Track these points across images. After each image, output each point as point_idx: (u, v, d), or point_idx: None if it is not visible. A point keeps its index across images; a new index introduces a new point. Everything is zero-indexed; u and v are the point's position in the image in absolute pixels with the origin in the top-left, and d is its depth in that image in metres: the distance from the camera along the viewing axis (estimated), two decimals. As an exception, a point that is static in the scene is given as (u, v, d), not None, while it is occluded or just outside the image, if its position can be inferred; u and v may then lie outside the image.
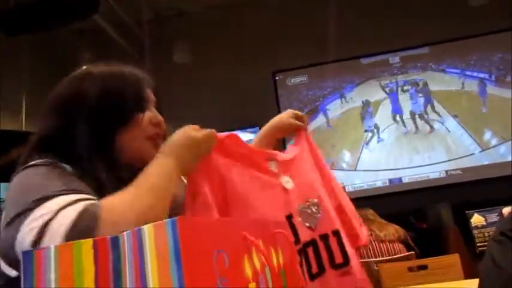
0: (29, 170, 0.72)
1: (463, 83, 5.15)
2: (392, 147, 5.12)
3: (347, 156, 5.19)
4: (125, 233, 0.43)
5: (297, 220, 0.82)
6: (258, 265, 0.53)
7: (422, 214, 4.22)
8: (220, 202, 0.74)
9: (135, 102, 0.81)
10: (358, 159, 5.14)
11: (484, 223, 3.26)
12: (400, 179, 5.02)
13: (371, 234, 2.61)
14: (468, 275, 2.00)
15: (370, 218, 2.75)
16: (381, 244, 2.56)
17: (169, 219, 0.40)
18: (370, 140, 5.19)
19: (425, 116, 5.14)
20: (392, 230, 2.64)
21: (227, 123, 4.28)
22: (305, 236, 0.83)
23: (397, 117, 5.18)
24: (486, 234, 3.21)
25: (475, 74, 5.14)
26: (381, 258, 2.48)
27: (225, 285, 0.44)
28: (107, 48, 4.64)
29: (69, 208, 0.61)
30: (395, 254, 2.51)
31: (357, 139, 5.21)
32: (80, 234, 0.56)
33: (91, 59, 4.39)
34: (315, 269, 0.82)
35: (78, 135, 0.77)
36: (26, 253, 0.44)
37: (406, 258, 2.45)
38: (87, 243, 0.43)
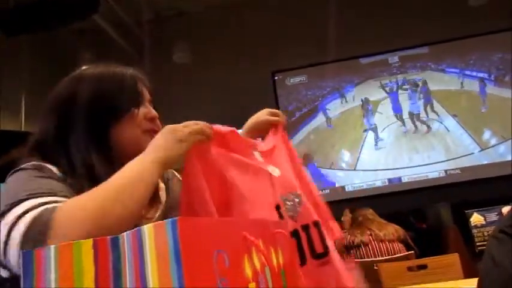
0: (14, 175, 0.74)
1: (462, 83, 5.15)
2: (391, 147, 5.12)
3: (346, 156, 5.19)
4: (125, 233, 0.43)
5: (283, 210, 0.82)
6: (258, 265, 0.53)
7: (421, 214, 4.22)
8: (218, 196, 0.74)
9: (130, 97, 0.83)
10: (358, 159, 5.14)
11: (484, 222, 3.26)
12: (399, 179, 5.02)
13: (370, 234, 2.62)
14: (468, 275, 2.00)
15: (369, 217, 2.75)
16: (381, 244, 2.56)
17: (170, 219, 0.40)
18: (369, 140, 5.20)
19: (423, 117, 5.14)
20: (392, 230, 2.64)
21: (226, 123, 4.27)
22: (289, 226, 0.83)
23: (399, 116, 5.19)
24: (485, 234, 3.21)
25: (475, 73, 5.14)
26: (380, 258, 2.48)
27: (225, 285, 0.44)
28: (106, 49, 4.64)
29: (30, 213, 0.62)
30: (394, 254, 2.51)
31: (356, 139, 5.21)
32: (33, 240, 0.58)
33: (91, 59, 4.38)
34: (297, 259, 0.82)
35: (76, 131, 0.79)
36: (25, 253, 0.44)
37: (406, 257, 2.45)
38: (87, 243, 0.43)
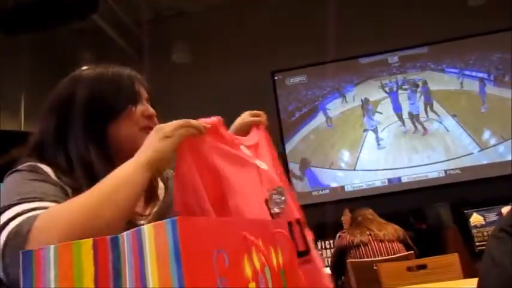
0: (10, 176, 0.75)
1: (462, 83, 5.15)
2: (391, 147, 5.12)
3: (346, 155, 5.19)
4: (124, 233, 0.43)
5: (270, 205, 0.81)
6: (257, 265, 0.53)
7: (421, 214, 4.23)
8: (212, 190, 0.72)
9: (127, 95, 0.84)
10: (357, 159, 5.14)
11: (483, 222, 3.27)
12: (399, 179, 5.02)
13: (370, 234, 2.62)
14: (467, 274, 2.00)
15: (369, 217, 2.75)
16: (380, 244, 2.56)
17: (169, 219, 0.40)
18: (369, 140, 5.20)
19: (423, 118, 5.15)
20: (392, 230, 2.64)
21: (226, 123, 4.27)
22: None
23: (399, 116, 5.20)
24: (485, 234, 3.21)
25: (474, 73, 5.14)
26: (380, 258, 2.48)
27: (225, 285, 0.44)
28: (106, 49, 4.64)
29: (14, 222, 0.63)
30: (394, 254, 2.52)
31: (356, 139, 5.22)
32: (9, 256, 0.60)
33: (90, 59, 4.38)
34: None
35: (75, 130, 0.80)
36: (25, 253, 0.44)
37: (405, 257, 2.45)
38: (87, 243, 0.43)
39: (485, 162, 4.92)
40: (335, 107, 5.32)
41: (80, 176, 0.76)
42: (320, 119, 5.32)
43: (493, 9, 4.70)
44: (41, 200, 0.68)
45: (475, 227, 3.27)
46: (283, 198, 0.81)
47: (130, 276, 0.41)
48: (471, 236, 3.28)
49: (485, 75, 5.12)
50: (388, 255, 2.51)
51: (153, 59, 4.77)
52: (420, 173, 4.97)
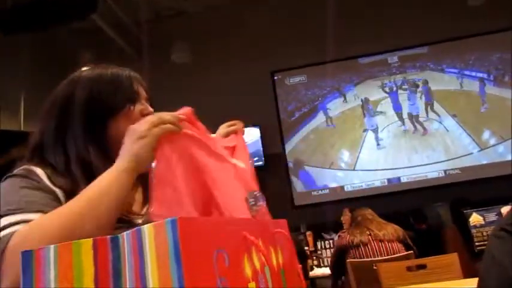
0: (5, 181, 0.76)
1: (461, 83, 5.16)
2: (391, 147, 5.13)
3: (346, 155, 5.20)
4: (124, 233, 0.43)
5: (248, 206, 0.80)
6: (257, 265, 0.53)
7: (421, 214, 4.23)
8: (194, 184, 0.70)
9: (126, 95, 0.85)
10: (357, 159, 5.14)
11: (483, 222, 3.26)
12: (398, 179, 5.02)
13: (370, 234, 2.62)
14: (467, 274, 2.00)
15: (368, 217, 2.75)
16: (380, 243, 2.56)
17: (169, 219, 0.40)
18: (369, 140, 5.20)
19: (422, 118, 5.15)
20: (391, 230, 2.64)
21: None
22: None
23: (399, 115, 5.21)
24: (485, 234, 3.21)
25: (474, 73, 5.15)
26: (379, 258, 2.48)
27: (224, 285, 0.44)
28: (106, 48, 4.64)
29: None
30: (394, 254, 2.52)
31: (355, 138, 5.22)
32: None
33: (90, 59, 4.38)
34: None
35: (74, 131, 0.81)
36: (25, 253, 0.44)
37: (405, 257, 2.45)
38: (87, 243, 0.43)
39: (484, 162, 4.92)
40: (335, 107, 5.33)
41: (78, 177, 0.76)
42: (320, 118, 5.32)
43: (493, 9, 4.70)
44: (25, 211, 0.68)
45: (475, 226, 3.26)
46: (257, 203, 0.79)
47: (130, 276, 0.41)
48: (471, 236, 3.27)
49: (485, 75, 5.12)
50: (387, 255, 2.51)
51: (153, 59, 4.77)
52: (420, 173, 4.98)
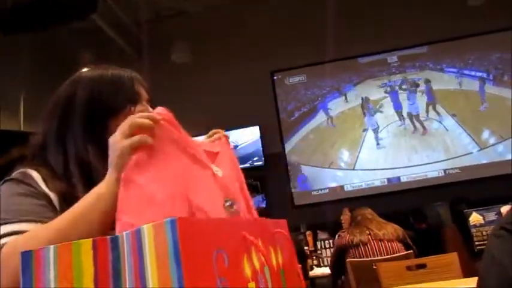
0: (2, 186, 0.76)
1: (461, 82, 5.16)
2: (391, 147, 5.13)
3: (346, 155, 5.20)
4: (124, 233, 0.43)
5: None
6: (257, 265, 0.53)
7: (420, 213, 4.23)
8: (172, 188, 0.67)
9: (127, 96, 0.85)
10: (357, 159, 5.14)
11: (482, 222, 3.26)
12: (398, 178, 5.02)
13: (369, 234, 2.62)
14: (466, 274, 2.00)
15: (368, 217, 2.75)
16: (380, 243, 2.57)
17: (169, 219, 0.40)
18: (369, 139, 5.20)
19: (422, 118, 5.15)
20: (391, 229, 2.64)
21: (226, 123, 4.28)
22: None
23: (399, 114, 5.21)
24: (484, 233, 3.21)
25: (474, 73, 5.15)
26: (379, 257, 2.48)
27: (224, 285, 0.44)
28: (106, 49, 4.64)
29: None
30: (393, 253, 2.52)
31: (355, 138, 5.22)
32: None
33: (90, 60, 4.38)
34: None
35: (74, 131, 0.81)
36: (24, 253, 0.44)
37: (405, 257, 2.45)
38: (86, 243, 0.43)
39: (484, 161, 4.92)
40: (336, 106, 5.33)
41: (75, 177, 0.76)
42: (319, 118, 5.32)
43: (493, 9, 4.71)
44: (18, 221, 0.68)
45: (475, 226, 3.26)
46: (235, 210, 0.78)
47: (130, 276, 0.41)
48: (470, 235, 3.28)
49: (484, 75, 5.12)
50: (387, 254, 2.51)
51: (153, 59, 4.77)
52: (419, 173, 4.98)
